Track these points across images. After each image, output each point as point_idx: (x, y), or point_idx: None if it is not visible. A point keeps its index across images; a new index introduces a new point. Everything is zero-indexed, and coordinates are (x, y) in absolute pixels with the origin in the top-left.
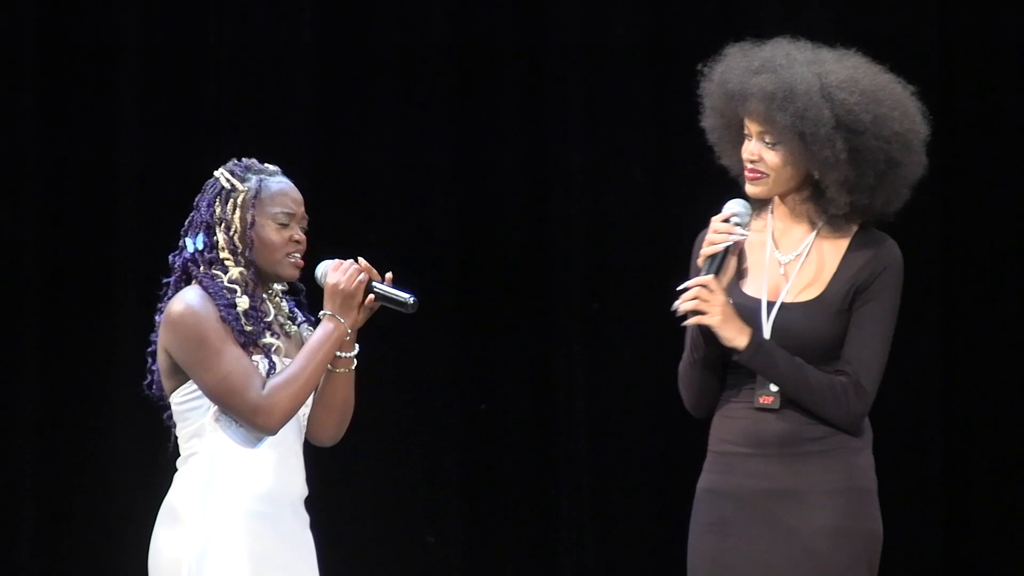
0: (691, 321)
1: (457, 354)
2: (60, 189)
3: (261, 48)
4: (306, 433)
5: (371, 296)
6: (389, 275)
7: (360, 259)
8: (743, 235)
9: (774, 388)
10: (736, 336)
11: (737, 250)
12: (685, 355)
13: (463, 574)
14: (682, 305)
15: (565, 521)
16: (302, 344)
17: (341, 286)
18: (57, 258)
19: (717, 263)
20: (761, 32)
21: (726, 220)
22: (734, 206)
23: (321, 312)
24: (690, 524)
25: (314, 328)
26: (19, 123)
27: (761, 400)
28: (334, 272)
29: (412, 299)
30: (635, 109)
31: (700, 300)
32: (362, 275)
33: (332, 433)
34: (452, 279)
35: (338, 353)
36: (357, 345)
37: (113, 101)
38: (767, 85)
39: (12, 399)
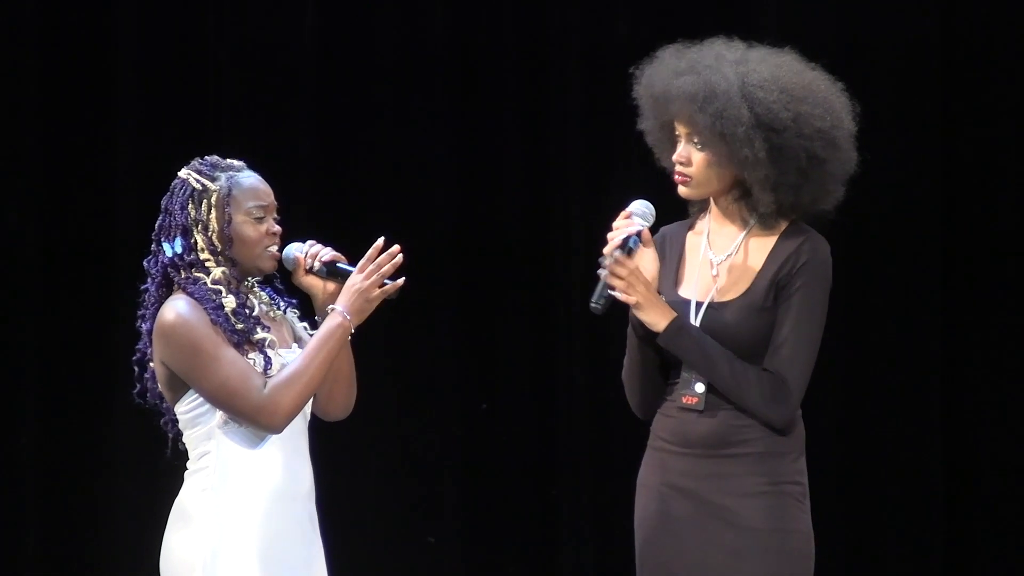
0: (620, 297)
1: (457, 354)
2: (61, 189)
3: (261, 48)
4: (317, 412)
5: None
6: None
7: (310, 241)
8: (643, 224)
9: (699, 389)
10: (658, 320)
11: (645, 240)
12: (626, 356)
13: (463, 574)
14: (607, 278)
15: (565, 521)
16: (290, 327)
17: (364, 288)
18: (58, 258)
19: (625, 252)
20: (761, 32)
21: (627, 217)
22: (635, 204)
23: (330, 306)
24: (634, 518)
25: (299, 311)
26: (20, 123)
27: (684, 400)
28: (357, 274)
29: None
30: (636, 109)
31: (619, 279)
32: (386, 284)
33: (343, 404)
34: (453, 279)
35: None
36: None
37: (113, 101)
38: (688, 87)
39: (14, 400)
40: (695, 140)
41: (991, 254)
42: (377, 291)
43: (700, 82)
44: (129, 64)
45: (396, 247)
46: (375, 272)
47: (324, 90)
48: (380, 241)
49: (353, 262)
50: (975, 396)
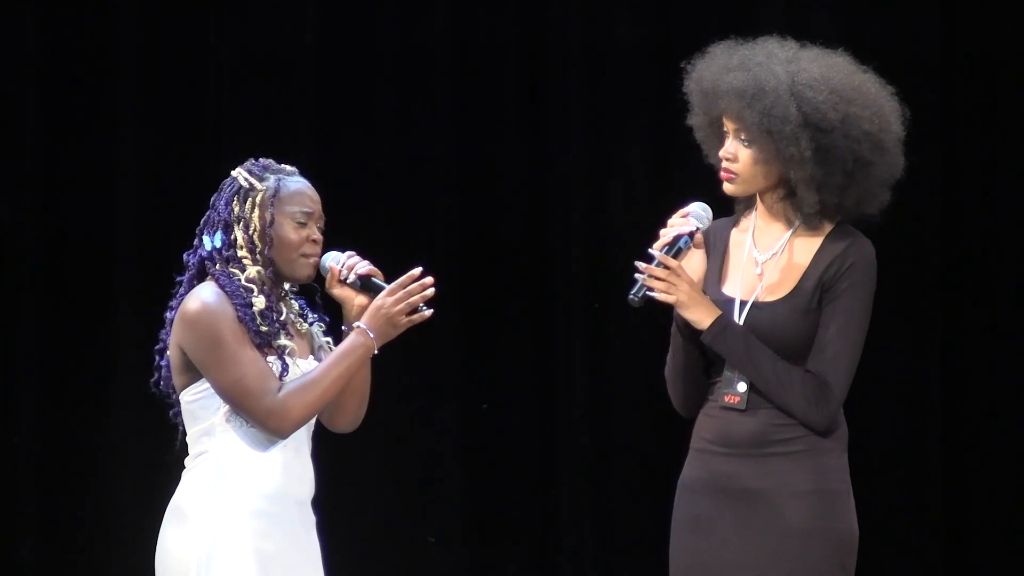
0: (659, 297)
1: (458, 354)
2: (60, 189)
3: (261, 48)
4: (325, 421)
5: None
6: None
7: (349, 252)
8: (697, 226)
9: (741, 388)
10: (703, 318)
11: (696, 243)
12: (669, 354)
13: (463, 574)
14: (647, 281)
15: (565, 521)
16: (313, 342)
17: (391, 314)
18: (57, 258)
19: (674, 250)
20: (763, 33)
21: (684, 216)
22: (693, 205)
23: (355, 323)
24: (672, 518)
25: (326, 327)
26: (20, 123)
27: (726, 399)
28: (387, 296)
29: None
30: (636, 109)
31: (662, 280)
32: (413, 312)
33: (351, 418)
34: (453, 279)
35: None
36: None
37: (113, 101)
38: (737, 83)
39: (12, 399)
40: (742, 137)
41: (991, 254)
42: (404, 319)
43: (749, 78)
44: (129, 63)
45: (429, 279)
46: (404, 299)
47: (324, 90)
48: (417, 270)
49: (387, 280)
50: (975, 396)
